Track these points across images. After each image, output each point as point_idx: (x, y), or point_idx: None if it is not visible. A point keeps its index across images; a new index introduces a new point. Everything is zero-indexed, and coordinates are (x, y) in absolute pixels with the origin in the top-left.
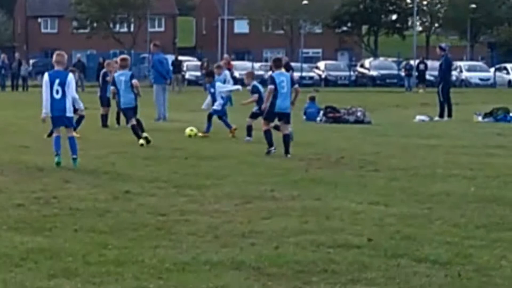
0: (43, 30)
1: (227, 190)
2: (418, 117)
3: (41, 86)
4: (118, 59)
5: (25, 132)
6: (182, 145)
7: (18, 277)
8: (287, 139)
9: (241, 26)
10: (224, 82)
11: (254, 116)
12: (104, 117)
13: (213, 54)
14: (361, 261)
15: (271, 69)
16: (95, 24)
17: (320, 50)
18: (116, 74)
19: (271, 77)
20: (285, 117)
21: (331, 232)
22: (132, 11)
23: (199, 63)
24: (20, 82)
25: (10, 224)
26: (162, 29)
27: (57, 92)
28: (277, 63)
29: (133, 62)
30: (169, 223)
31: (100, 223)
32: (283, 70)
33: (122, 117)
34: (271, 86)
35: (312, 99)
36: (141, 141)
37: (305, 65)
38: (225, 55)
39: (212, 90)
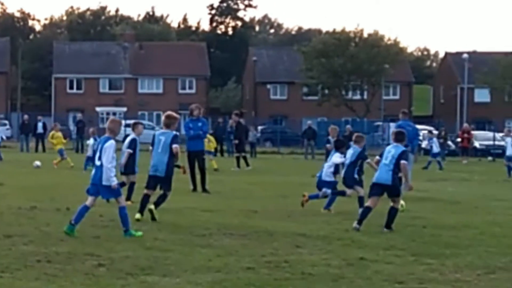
0: (272, 97)
1: (469, 259)
2: None
3: (269, 153)
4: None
5: (254, 197)
6: (420, 214)
7: None
8: (392, 211)
9: (482, 95)
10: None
11: None
12: None
13: (451, 123)
14: None
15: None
16: (326, 91)
17: None
18: (157, 132)
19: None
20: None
21: None
22: (366, 78)
23: (436, 132)
24: (248, 148)
25: (240, 286)
26: (397, 97)
27: (98, 159)
28: (397, 137)
29: (366, 130)
30: None
31: None
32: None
33: None
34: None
35: None
36: (138, 215)
37: None
38: None
39: None
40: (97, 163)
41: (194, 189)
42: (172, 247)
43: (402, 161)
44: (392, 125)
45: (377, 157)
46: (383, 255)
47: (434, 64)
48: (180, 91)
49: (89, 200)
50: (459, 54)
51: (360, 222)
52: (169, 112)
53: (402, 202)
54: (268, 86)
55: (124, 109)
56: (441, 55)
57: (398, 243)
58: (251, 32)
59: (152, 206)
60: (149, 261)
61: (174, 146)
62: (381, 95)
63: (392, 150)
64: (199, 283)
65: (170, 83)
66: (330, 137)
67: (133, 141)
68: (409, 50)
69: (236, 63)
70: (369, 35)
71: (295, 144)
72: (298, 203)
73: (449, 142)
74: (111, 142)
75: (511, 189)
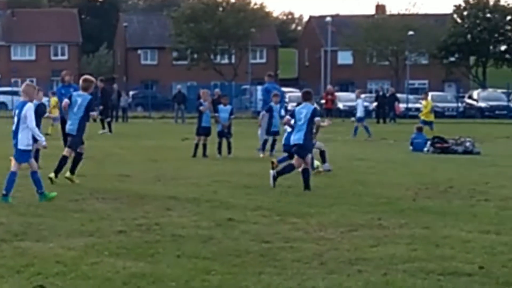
0: (142, 62)
1: (333, 218)
2: None
3: (141, 117)
4: (81, 78)
5: (125, 162)
6: (286, 175)
7: None
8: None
9: (345, 57)
10: None
11: None
12: (196, 146)
13: (316, 86)
14: None
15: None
16: (195, 56)
17: (426, 81)
18: (75, 93)
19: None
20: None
21: (441, 260)
22: (233, 42)
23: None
24: (120, 113)
25: (112, 250)
26: (264, 60)
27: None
28: (305, 96)
29: (234, 93)
30: (273, 250)
31: (203, 250)
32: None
33: (224, 147)
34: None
35: (420, 129)
36: (52, 174)
37: (411, 97)
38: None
39: None
40: (14, 128)
41: None
42: (45, 212)
43: (316, 118)
44: (259, 88)
45: (288, 117)
46: (250, 215)
47: (299, 28)
48: (53, 58)
49: (32, 164)
50: (322, 17)
51: (279, 175)
52: (85, 76)
53: (317, 162)
54: (139, 51)
55: None
56: (305, 18)
57: (265, 203)
58: None
59: (52, 175)
60: (22, 226)
61: (92, 113)
62: (248, 59)
63: (303, 111)
64: (72, 247)
65: (43, 50)
66: (202, 100)
67: (41, 105)
68: (274, 14)
69: (107, 29)
70: (237, 0)
71: (165, 109)
72: (168, 167)
73: (314, 104)
74: (30, 104)
75: (372, 149)
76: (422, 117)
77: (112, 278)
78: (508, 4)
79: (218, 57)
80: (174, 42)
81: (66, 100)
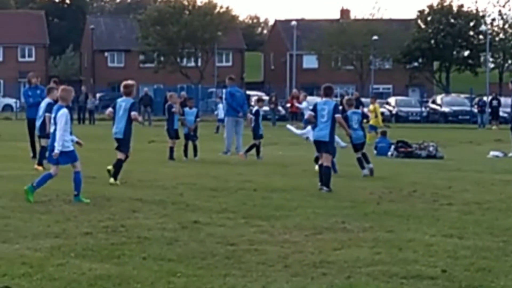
0: (109, 64)
1: (297, 221)
2: (492, 153)
3: (107, 119)
4: (122, 85)
5: (92, 164)
6: (251, 178)
7: None
8: (324, 170)
9: (310, 61)
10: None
11: None
12: (172, 150)
13: (281, 89)
14: None
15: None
16: (162, 58)
17: (390, 86)
18: (118, 100)
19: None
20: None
21: (404, 263)
22: (200, 45)
23: (267, 98)
24: (87, 115)
25: (78, 252)
26: (230, 63)
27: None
28: (326, 91)
29: (200, 96)
30: (238, 252)
31: (168, 252)
32: (329, 99)
33: (190, 150)
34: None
35: (384, 134)
36: (112, 180)
37: None
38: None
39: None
40: (52, 130)
41: (34, 156)
42: (11, 214)
43: (337, 115)
44: (225, 91)
45: (311, 112)
46: (215, 218)
47: (265, 31)
48: (20, 59)
49: (53, 169)
50: (288, 21)
51: (327, 184)
52: (126, 82)
53: None
54: (106, 54)
55: None
56: (271, 22)
57: (230, 206)
58: (89, 0)
59: (110, 167)
60: None
61: (133, 113)
62: (214, 62)
63: (325, 107)
64: (38, 248)
65: (10, 51)
66: (171, 103)
67: (50, 104)
68: (240, 18)
69: (74, 31)
70: (203, 3)
71: None
72: (134, 169)
73: (280, 107)
74: (63, 110)
75: (336, 152)
76: (372, 122)
77: (78, 280)
78: (472, 10)
79: (185, 60)
80: (141, 45)
81: (110, 109)
